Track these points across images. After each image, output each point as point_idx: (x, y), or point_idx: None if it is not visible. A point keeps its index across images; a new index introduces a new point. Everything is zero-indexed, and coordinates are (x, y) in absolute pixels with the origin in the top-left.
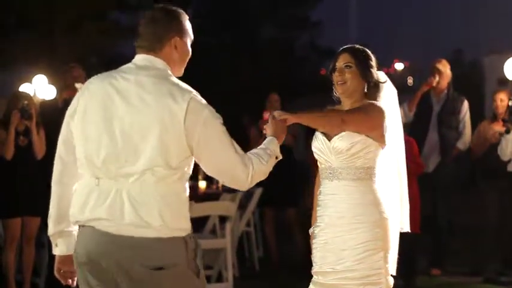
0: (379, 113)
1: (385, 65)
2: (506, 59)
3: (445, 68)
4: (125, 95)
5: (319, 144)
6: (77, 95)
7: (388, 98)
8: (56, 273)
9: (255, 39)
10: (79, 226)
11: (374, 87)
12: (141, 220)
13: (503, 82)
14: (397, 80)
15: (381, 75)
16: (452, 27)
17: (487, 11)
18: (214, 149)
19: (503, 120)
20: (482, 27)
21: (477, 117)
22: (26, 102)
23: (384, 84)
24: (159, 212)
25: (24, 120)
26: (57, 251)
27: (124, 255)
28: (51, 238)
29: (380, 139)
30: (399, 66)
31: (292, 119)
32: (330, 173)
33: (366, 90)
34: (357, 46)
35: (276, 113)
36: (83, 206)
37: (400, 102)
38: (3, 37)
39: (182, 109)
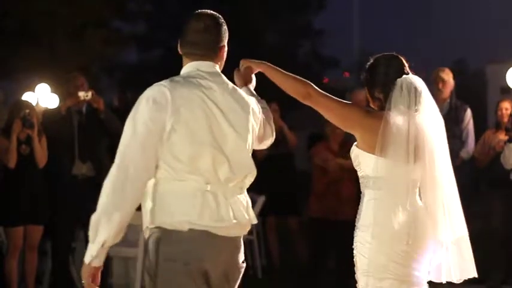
0: (357, 111)
1: None
2: (509, 68)
3: (448, 76)
4: (217, 101)
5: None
6: (161, 105)
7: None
8: (87, 285)
9: (257, 47)
10: (183, 231)
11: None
12: (243, 219)
13: (506, 91)
14: None
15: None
16: (455, 36)
17: (489, 20)
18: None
19: (507, 129)
20: (485, 37)
21: (480, 126)
22: (27, 111)
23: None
24: (247, 212)
25: (26, 129)
26: (96, 262)
27: (230, 257)
28: (102, 247)
29: (366, 147)
30: None
31: (255, 66)
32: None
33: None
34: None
35: (241, 62)
36: (199, 210)
37: None
38: (6, 46)
39: (258, 115)
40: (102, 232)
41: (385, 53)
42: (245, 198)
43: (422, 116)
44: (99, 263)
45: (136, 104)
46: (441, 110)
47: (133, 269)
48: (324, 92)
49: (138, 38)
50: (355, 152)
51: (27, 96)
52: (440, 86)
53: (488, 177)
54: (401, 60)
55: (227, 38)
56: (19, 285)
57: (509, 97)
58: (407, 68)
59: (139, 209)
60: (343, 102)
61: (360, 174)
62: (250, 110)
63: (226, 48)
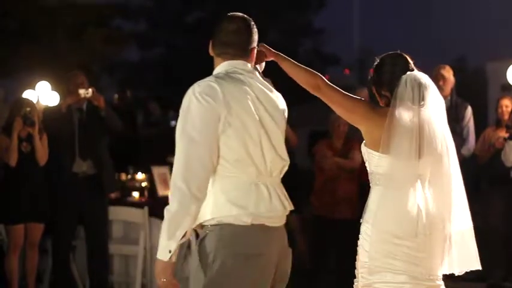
0: (364, 106)
1: None
2: (509, 65)
3: (448, 73)
4: (259, 96)
5: None
6: (214, 99)
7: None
8: (170, 283)
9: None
10: (243, 225)
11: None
12: (286, 210)
13: (506, 88)
14: None
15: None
16: (455, 34)
17: (490, 17)
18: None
19: (507, 127)
20: (485, 34)
21: (481, 123)
22: (28, 109)
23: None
24: (288, 201)
25: (27, 127)
26: (174, 257)
27: (283, 246)
28: (176, 243)
29: (371, 142)
30: None
31: (270, 53)
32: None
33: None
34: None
35: (260, 45)
36: (256, 203)
37: None
38: (6, 45)
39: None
40: (183, 226)
41: (390, 52)
42: (283, 187)
43: (428, 110)
44: (175, 258)
45: (186, 102)
46: None
47: (134, 267)
48: (332, 85)
49: (139, 36)
50: (363, 150)
51: (27, 94)
52: (441, 83)
53: (489, 175)
54: (406, 58)
55: (257, 40)
56: (20, 283)
57: (509, 94)
58: (412, 65)
59: (138, 206)
60: (350, 96)
61: (368, 170)
62: (284, 106)
63: (256, 50)
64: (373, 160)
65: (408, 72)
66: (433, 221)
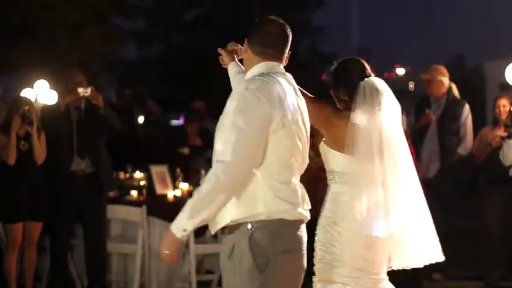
0: (327, 109)
1: (386, 70)
2: (508, 64)
3: (434, 75)
4: (296, 98)
5: None
6: (269, 99)
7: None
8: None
9: None
10: (288, 220)
11: None
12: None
13: (505, 87)
14: (399, 85)
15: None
16: (454, 32)
17: (489, 16)
18: None
19: (506, 126)
20: (484, 33)
21: (479, 122)
22: (27, 107)
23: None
24: None
25: (25, 125)
26: (185, 237)
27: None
28: (194, 225)
29: (332, 143)
30: (400, 71)
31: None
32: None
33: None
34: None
35: (230, 44)
36: (297, 199)
37: (402, 107)
38: (5, 42)
39: None
40: (206, 212)
41: (348, 57)
42: None
43: (384, 115)
44: (185, 238)
45: (239, 96)
46: (439, 107)
47: (132, 266)
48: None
49: (138, 34)
50: (323, 149)
51: (26, 93)
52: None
53: (487, 175)
54: (363, 64)
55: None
56: (18, 281)
57: (507, 93)
58: (369, 71)
59: (136, 204)
60: (315, 98)
61: (329, 169)
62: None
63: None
64: (335, 159)
65: (366, 79)
66: (380, 222)
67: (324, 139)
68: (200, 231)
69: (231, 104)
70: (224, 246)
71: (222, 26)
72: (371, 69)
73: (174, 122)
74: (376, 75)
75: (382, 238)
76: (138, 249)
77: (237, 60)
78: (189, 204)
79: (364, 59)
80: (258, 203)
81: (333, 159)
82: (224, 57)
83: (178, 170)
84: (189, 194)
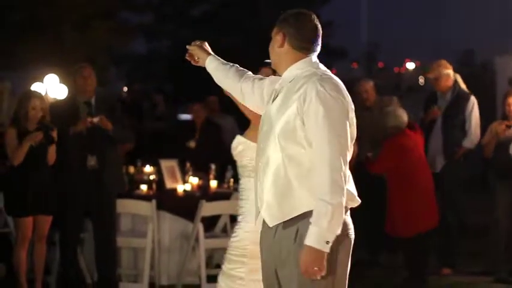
0: None
1: (396, 64)
2: None
3: (439, 71)
4: None
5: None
6: (346, 97)
7: None
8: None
9: (265, 39)
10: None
11: None
12: None
13: None
14: (409, 79)
15: None
16: (464, 27)
17: (499, 11)
18: None
19: None
20: (494, 28)
21: (489, 117)
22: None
23: None
24: None
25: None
26: (328, 248)
27: None
28: (335, 235)
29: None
30: (410, 65)
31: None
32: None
33: None
34: None
35: (196, 43)
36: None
37: (412, 102)
38: (13, 37)
39: None
40: (341, 219)
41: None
42: None
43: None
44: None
45: (322, 101)
46: (444, 101)
47: (142, 260)
48: None
49: (146, 28)
50: (241, 140)
51: (35, 87)
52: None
53: (496, 169)
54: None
55: None
56: (28, 275)
57: None
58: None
59: (146, 199)
60: None
61: (243, 164)
62: None
63: None
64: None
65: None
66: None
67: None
68: (210, 226)
69: (315, 108)
70: (284, 235)
71: (230, 22)
72: (380, 63)
73: (184, 117)
74: (385, 70)
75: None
76: (148, 244)
77: (212, 53)
78: (326, 217)
79: (373, 54)
80: None
81: (248, 152)
82: (198, 53)
83: (188, 164)
84: (199, 188)
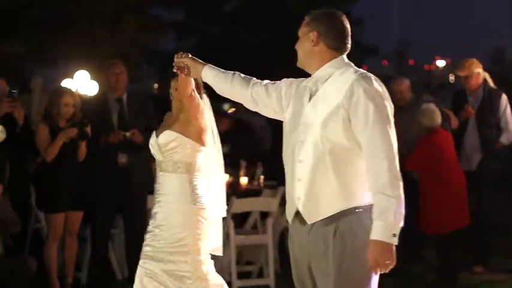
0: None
1: (426, 61)
2: None
3: (469, 69)
4: None
5: (151, 140)
6: (385, 96)
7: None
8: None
9: (294, 37)
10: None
11: None
12: None
13: None
14: (439, 77)
15: None
16: (494, 24)
17: None
18: None
19: None
20: None
21: None
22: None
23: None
24: None
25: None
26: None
27: None
28: (399, 228)
29: (196, 138)
30: (441, 63)
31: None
32: (159, 165)
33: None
34: None
35: (180, 55)
36: None
37: (442, 99)
38: (45, 34)
39: None
40: (403, 213)
41: None
42: None
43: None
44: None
45: (374, 99)
46: (475, 100)
47: None
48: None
49: (176, 25)
50: (186, 140)
51: (66, 83)
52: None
53: None
54: None
55: None
56: (58, 271)
57: None
58: None
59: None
60: None
61: (188, 161)
62: None
63: None
64: (201, 154)
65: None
66: None
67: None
68: (240, 223)
69: (364, 105)
70: (321, 231)
71: (260, 18)
72: (411, 61)
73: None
74: (416, 67)
75: None
76: None
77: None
78: (391, 211)
79: (404, 51)
80: (368, 190)
81: (201, 154)
82: (191, 64)
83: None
84: (229, 185)
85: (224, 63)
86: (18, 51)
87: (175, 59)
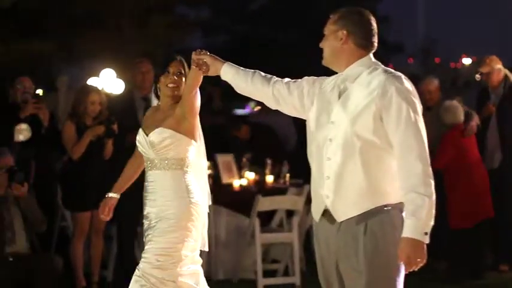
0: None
1: (452, 59)
2: None
3: (494, 65)
4: None
5: (140, 138)
6: (415, 95)
7: None
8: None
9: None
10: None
11: None
12: None
13: None
14: (465, 75)
15: None
16: None
17: None
18: None
19: None
20: None
21: None
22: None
23: None
24: None
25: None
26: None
27: None
28: (431, 226)
29: (189, 134)
30: (467, 61)
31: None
32: (149, 164)
33: None
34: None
35: (199, 52)
36: None
37: (468, 98)
38: (72, 32)
39: None
40: (434, 209)
41: None
42: None
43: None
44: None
45: (402, 93)
46: (497, 96)
47: None
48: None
49: (203, 23)
50: (178, 136)
51: (92, 82)
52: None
53: None
54: None
55: None
56: (84, 269)
57: None
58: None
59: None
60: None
61: (180, 156)
62: None
63: None
64: (192, 149)
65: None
66: None
67: (185, 130)
68: (266, 221)
69: (398, 104)
70: (351, 229)
71: (287, 16)
72: (437, 58)
73: (239, 112)
74: (442, 65)
75: None
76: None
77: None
78: (423, 209)
79: (430, 49)
80: (394, 190)
81: (193, 149)
82: (211, 61)
83: (244, 159)
84: (255, 183)
85: (252, 61)
86: (45, 49)
87: (193, 56)
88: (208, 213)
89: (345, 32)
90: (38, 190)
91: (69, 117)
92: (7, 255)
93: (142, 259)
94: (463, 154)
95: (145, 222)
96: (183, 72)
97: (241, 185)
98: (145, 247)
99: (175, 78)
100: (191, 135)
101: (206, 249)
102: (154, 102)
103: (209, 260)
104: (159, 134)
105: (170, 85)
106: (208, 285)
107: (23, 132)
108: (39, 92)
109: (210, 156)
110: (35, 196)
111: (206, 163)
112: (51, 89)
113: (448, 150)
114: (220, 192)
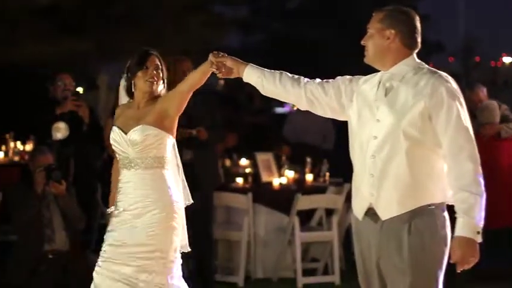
0: None
1: (492, 58)
2: None
3: None
4: None
5: (116, 136)
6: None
7: None
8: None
9: (362, 35)
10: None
11: None
12: None
13: None
14: (505, 74)
15: None
16: None
17: None
18: None
19: None
20: None
21: None
22: None
23: None
24: None
25: None
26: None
27: None
28: (482, 224)
29: (170, 130)
30: (507, 59)
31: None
32: (128, 163)
33: None
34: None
35: (216, 55)
36: None
37: (509, 97)
38: (110, 30)
39: None
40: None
41: None
42: None
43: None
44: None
45: (452, 93)
46: None
47: (238, 253)
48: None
49: (240, 22)
50: (161, 134)
51: None
52: None
53: None
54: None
55: None
56: None
57: None
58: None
59: (241, 192)
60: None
61: (159, 155)
62: None
63: None
64: (170, 146)
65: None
66: None
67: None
68: (305, 219)
69: (448, 103)
70: (395, 227)
71: (327, 15)
72: (477, 57)
73: (279, 110)
74: (482, 64)
75: None
76: (243, 237)
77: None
78: (476, 208)
79: (471, 48)
80: (445, 190)
81: (169, 146)
82: (232, 63)
83: (283, 158)
84: (294, 182)
85: (290, 59)
86: (83, 48)
87: (211, 58)
88: (248, 212)
89: (392, 31)
90: (77, 188)
91: (111, 115)
92: (46, 253)
93: (124, 265)
94: (495, 152)
95: (113, 221)
96: (160, 66)
97: (280, 184)
98: (126, 250)
99: (154, 72)
100: (171, 132)
101: (187, 249)
102: (123, 99)
103: (249, 259)
104: (141, 132)
105: (150, 80)
106: (248, 283)
107: (60, 131)
108: (79, 89)
109: (250, 155)
110: (75, 194)
111: (178, 158)
112: (91, 87)
113: (481, 149)
114: (259, 190)
